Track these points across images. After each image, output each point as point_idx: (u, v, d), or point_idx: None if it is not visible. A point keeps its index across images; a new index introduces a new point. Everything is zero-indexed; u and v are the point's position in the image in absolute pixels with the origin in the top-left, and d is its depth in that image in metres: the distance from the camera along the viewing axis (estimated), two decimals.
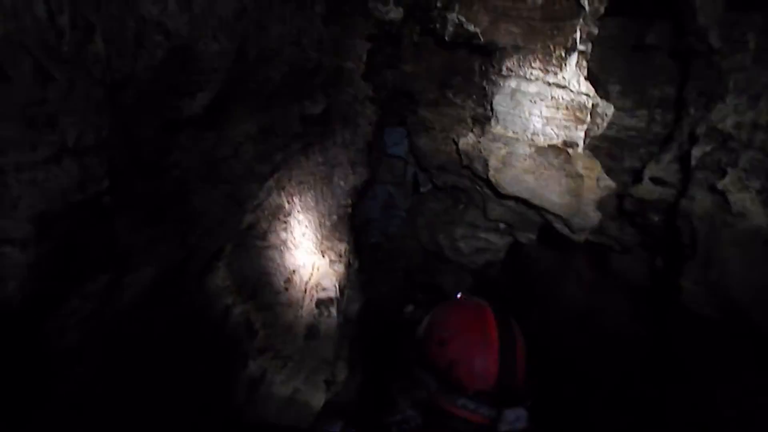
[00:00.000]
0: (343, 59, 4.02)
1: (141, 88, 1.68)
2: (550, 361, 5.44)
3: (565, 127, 3.94)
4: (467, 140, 4.43)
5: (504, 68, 4.09)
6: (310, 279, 3.68)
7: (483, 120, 4.34)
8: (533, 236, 4.82)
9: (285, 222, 3.52)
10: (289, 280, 3.41)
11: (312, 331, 3.57)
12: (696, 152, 3.77)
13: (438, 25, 4.21)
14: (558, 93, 3.90)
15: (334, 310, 3.87)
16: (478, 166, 4.30)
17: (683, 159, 4.15)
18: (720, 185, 3.48)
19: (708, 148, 3.69)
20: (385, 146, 5.61)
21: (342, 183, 4.23)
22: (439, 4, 4.10)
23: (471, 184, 4.75)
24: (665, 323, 4.52)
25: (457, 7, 4.02)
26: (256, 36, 2.49)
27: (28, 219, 1.17)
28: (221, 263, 2.71)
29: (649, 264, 4.95)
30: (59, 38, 1.26)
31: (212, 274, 2.63)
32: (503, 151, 4.12)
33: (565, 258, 5.87)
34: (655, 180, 4.41)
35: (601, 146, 5.04)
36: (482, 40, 4.10)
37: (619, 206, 4.95)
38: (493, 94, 4.18)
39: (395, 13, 4.07)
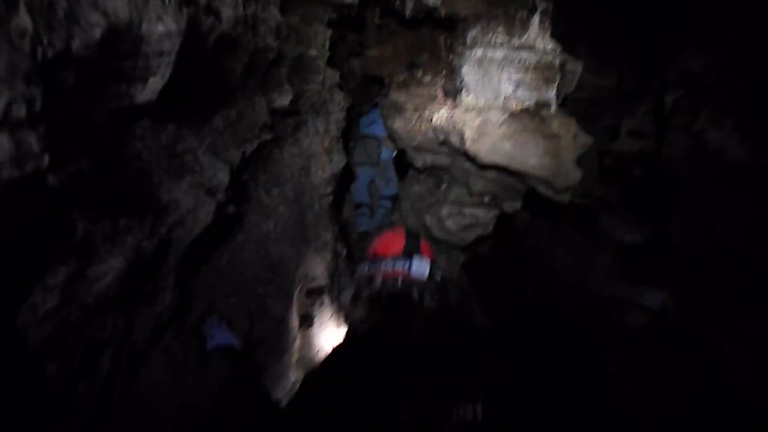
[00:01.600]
0: (305, 47, 3.96)
1: (83, 69, 1.62)
2: (549, 333, 5.44)
3: (536, 88, 3.91)
4: (440, 115, 4.39)
5: (468, 38, 4.06)
6: (297, 270, 3.63)
7: (454, 93, 4.30)
8: (518, 205, 4.78)
9: (265, 215, 3.47)
10: (275, 272, 3.35)
11: (305, 321, 3.52)
12: (669, 99, 3.76)
13: (397, 3, 4.18)
14: (525, 55, 3.87)
15: (326, 299, 3.82)
16: (455, 140, 4.26)
17: (657, 109, 4.14)
18: (696, 126, 3.47)
19: (680, 93, 3.68)
20: (359, 126, 5.57)
21: (320, 173, 4.18)
22: None
23: (451, 160, 4.72)
24: (659, 279, 4.50)
25: None
26: (208, 21, 2.44)
27: None
28: (199, 256, 2.65)
29: (637, 220, 4.93)
30: None
31: (190, 269, 2.57)
32: (477, 121, 4.08)
33: (554, 226, 5.85)
34: (632, 133, 4.41)
35: (576, 108, 5.04)
36: (443, 13, 4.06)
37: (600, 165, 4.94)
38: (460, 66, 4.14)
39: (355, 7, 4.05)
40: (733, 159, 3.34)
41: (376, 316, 1.49)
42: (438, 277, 1.56)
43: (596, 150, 4.85)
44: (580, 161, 4.11)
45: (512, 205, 4.81)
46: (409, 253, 1.55)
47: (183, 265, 2.45)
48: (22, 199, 1.30)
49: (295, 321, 3.41)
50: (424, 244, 1.63)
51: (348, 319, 1.91)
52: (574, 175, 3.92)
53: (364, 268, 1.62)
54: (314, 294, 3.69)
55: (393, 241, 1.63)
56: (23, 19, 1.40)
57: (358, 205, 5.88)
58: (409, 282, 1.51)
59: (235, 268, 3.08)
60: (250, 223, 3.32)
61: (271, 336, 3.13)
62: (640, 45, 4.49)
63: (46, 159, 1.36)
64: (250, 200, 3.37)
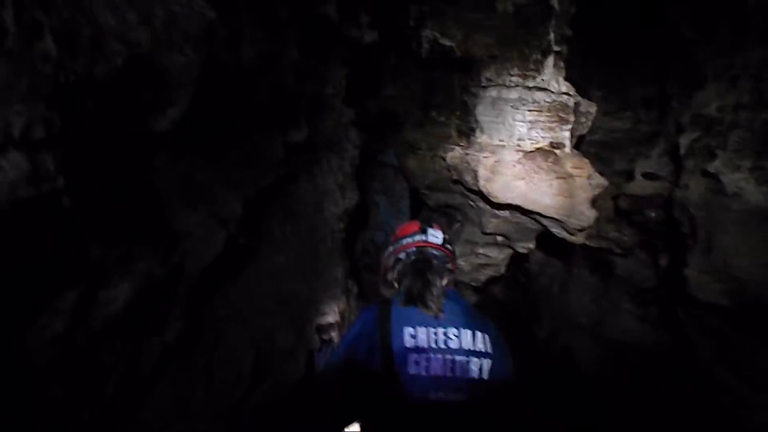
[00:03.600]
0: (322, 85, 4.03)
1: (103, 96, 1.65)
2: (562, 374, 5.32)
3: (550, 128, 3.92)
4: (454, 154, 4.42)
5: (483, 78, 4.11)
6: (308, 304, 3.60)
7: (468, 132, 4.34)
8: (532, 245, 4.74)
9: (277, 248, 3.47)
10: (285, 305, 3.33)
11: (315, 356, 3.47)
12: (684, 141, 3.76)
13: (414, 44, 4.25)
14: (539, 96, 3.90)
15: (335, 335, 3.77)
16: (468, 179, 4.27)
17: (672, 151, 4.14)
18: (712, 168, 3.45)
19: (695, 135, 3.68)
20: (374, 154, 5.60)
21: (333, 209, 4.19)
22: (412, 23, 4.15)
23: (464, 199, 4.71)
24: (674, 323, 4.42)
25: (430, 24, 4.08)
26: (228, 55, 2.50)
27: None
28: (210, 286, 2.64)
29: (652, 263, 4.87)
30: (2, 32, 1.24)
31: (200, 299, 2.56)
32: (491, 160, 4.09)
33: (568, 268, 5.79)
34: (646, 175, 4.39)
35: (590, 150, 5.05)
36: (458, 53, 4.13)
37: (615, 207, 4.91)
38: (475, 105, 4.19)
39: (370, 36, 4.11)
40: (750, 201, 3.30)
41: (406, 281, 1.74)
42: (447, 245, 1.88)
43: (611, 191, 4.83)
44: (595, 202, 4.08)
45: (525, 246, 4.77)
46: (423, 230, 1.87)
47: (193, 295, 2.44)
48: (35, 219, 1.31)
49: (303, 355, 3.36)
50: (436, 225, 1.94)
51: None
52: (588, 215, 3.88)
53: (389, 249, 1.90)
54: (324, 330, 3.65)
55: (410, 225, 1.94)
56: (48, 45, 1.44)
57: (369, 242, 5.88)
58: (426, 247, 1.83)
59: (245, 300, 3.06)
60: (262, 255, 3.31)
61: (277, 369, 3.09)
62: (656, 88, 4.52)
63: (62, 181, 1.38)
64: (263, 233, 3.38)
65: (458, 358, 1.53)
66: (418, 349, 1.52)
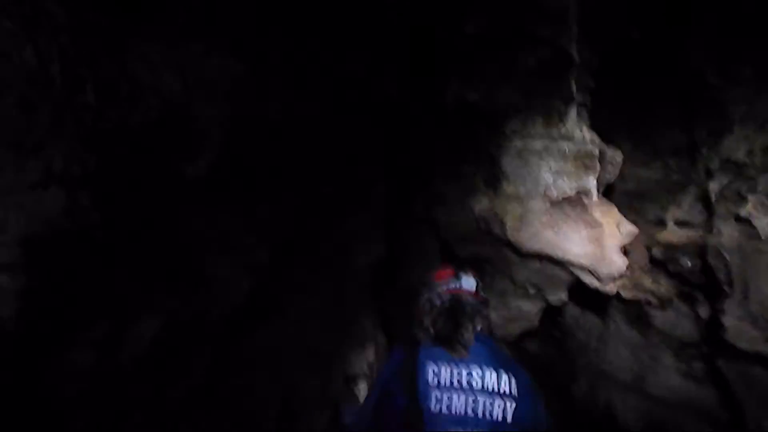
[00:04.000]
0: (350, 139, 4.16)
1: (138, 142, 1.77)
2: None
3: (577, 177, 3.93)
4: (482, 205, 4.44)
5: (508, 130, 4.19)
6: (335, 355, 3.60)
7: (495, 183, 4.38)
8: (564, 297, 4.66)
9: (305, 297, 3.51)
10: (312, 355, 3.33)
11: (340, 405, 3.44)
12: (714, 186, 3.72)
13: (439, 99, 4.38)
14: (563, 145, 3.94)
15: (363, 386, 3.73)
16: (497, 229, 4.28)
17: (704, 198, 4.08)
18: (744, 213, 3.39)
19: (725, 180, 3.64)
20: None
21: (361, 258, 4.24)
22: (438, 79, 4.30)
23: (493, 250, 4.70)
24: (719, 377, 4.22)
25: (455, 79, 4.21)
26: (256, 108, 2.64)
27: (15, 242, 1.20)
28: (236, 332, 2.68)
29: (693, 315, 4.71)
30: (50, 82, 1.36)
31: (226, 344, 2.60)
32: (519, 210, 4.11)
33: (605, 321, 5.63)
34: (679, 223, 4.32)
35: (622, 200, 5.03)
36: (483, 106, 4.23)
37: (650, 257, 4.81)
38: (500, 156, 4.24)
39: (397, 92, 4.28)
40: None
41: (438, 324, 1.78)
42: (481, 292, 1.95)
43: (644, 241, 4.75)
44: (626, 251, 4.03)
45: (558, 297, 4.69)
46: (458, 276, 1.91)
47: (219, 339, 2.48)
48: (71, 250, 1.39)
49: (329, 407, 3.33)
50: (470, 271, 1.99)
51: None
52: (619, 264, 3.83)
53: (424, 294, 1.93)
54: (351, 381, 3.62)
55: (445, 271, 1.99)
56: (89, 96, 1.58)
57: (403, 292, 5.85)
58: (460, 294, 1.87)
59: (272, 348, 3.09)
60: (289, 304, 3.35)
61: (303, 420, 3.06)
62: (685, 136, 4.51)
63: (97, 216, 1.48)
64: (290, 282, 3.43)
65: (481, 398, 1.53)
66: (440, 387, 1.54)
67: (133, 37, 1.71)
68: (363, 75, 3.77)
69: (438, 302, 1.86)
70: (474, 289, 1.89)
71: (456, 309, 1.79)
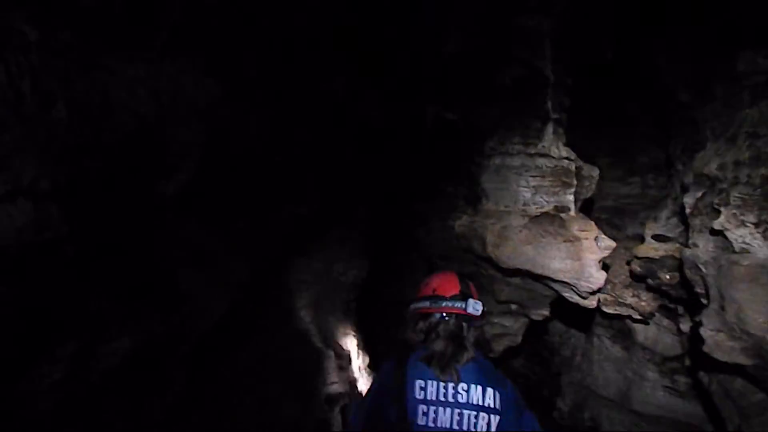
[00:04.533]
0: (330, 160, 4.18)
1: (111, 159, 1.78)
2: None
3: (554, 193, 3.99)
4: (462, 222, 4.48)
5: (486, 148, 4.24)
6: (317, 375, 3.58)
7: (474, 200, 4.42)
8: (546, 312, 4.68)
9: (286, 317, 3.50)
10: (293, 374, 3.31)
11: (322, 427, 3.40)
12: (688, 200, 3.77)
13: (419, 119, 4.44)
14: (541, 162, 4.00)
15: (344, 404, 3.71)
16: (477, 246, 4.31)
17: (680, 212, 4.14)
18: (718, 225, 3.44)
19: (699, 194, 3.70)
20: None
21: (342, 278, 4.24)
22: (417, 98, 4.36)
23: (475, 267, 4.72)
24: (701, 390, 4.25)
25: (433, 99, 4.28)
26: (235, 131, 2.66)
27: None
28: (214, 351, 2.66)
29: (674, 329, 4.75)
30: (19, 98, 1.38)
31: (204, 364, 2.58)
32: (498, 226, 4.15)
33: (589, 337, 5.66)
34: (657, 237, 4.38)
35: (602, 216, 5.09)
36: (461, 125, 4.30)
37: (630, 272, 4.86)
38: (480, 174, 4.29)
39: (376, 113, 4.32)
40: (758, 256, 3.27)
41: (436, 342, 1.71)
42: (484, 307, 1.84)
43: (624, 256, 4.81)
44: (606, 265, 4.07)
45: (540, 313, 4.71)
46: (465, 297, 1.80)
47: (195, 358, 2.47)
48: (39, 264, 1.39)
49: (309, 427, 3.30)
50: (472, 287, 1.89)
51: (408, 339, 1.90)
52: (598, 277, 3.86)
53: (425, 303, 1.83)
54: (332, 400, 3.60)
55: (449, 283, 1.87)
56: (60, 112, 1.59)
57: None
58: (463, 318, 1.77)
59: (253, 366, 3.07)
60: (270, 323, 3.35)
61: None
62: (661, 152, 4.62)
63: (66, 229, 1.48)
64: (271, 302, 3.43)
65: (466, 411, 1.55)
66: (426, 401, 1.55)
67: (106, 55, 1.74)
68: (342, 95, 3.81)
69: (438, 316, 1.79)
70: (479, 313, 1.77)
71: (459, 336, 1.72)
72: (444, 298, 1.82)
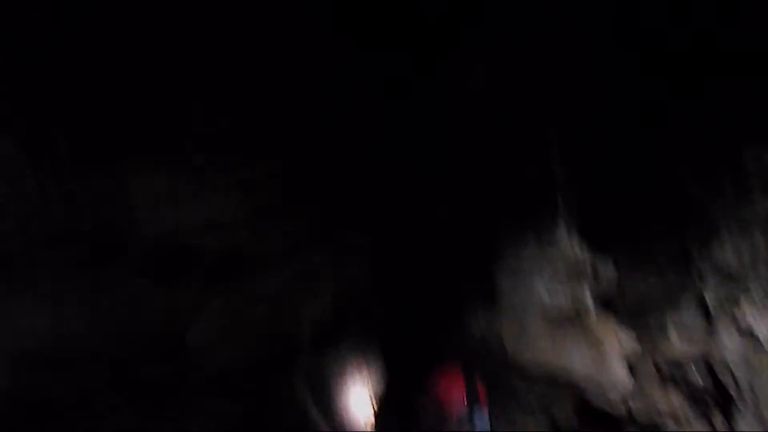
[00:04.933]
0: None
1: (135, 271, 1.82)
2: None
3: (571, 291, 3.95)
4: (480, 326, 4.42)
5: (502, 247, 4.27)
6: None
7: (491, 302, 4.38)
8: (571, 415, 4.46)
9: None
10: None
11: None
12: (710, 295, 3.72)
13: (432, 224, 4.52)
14: (556, 261, 4.00)
15: None
16: (496, 349, 4.22)
17: (703, 306, 4.06)
18: (743, 323, 3.36)
19: (720, 288, 3.65)
20: None
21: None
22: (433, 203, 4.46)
23: (494, 370, 4.59)
24: None
25: (444, 203, 4.39)
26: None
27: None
28: None
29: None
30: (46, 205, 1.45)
31: None
32: (517, 329, 4.08)
33: None
34: (682, 336, 4.25)
35: (622, 313, 4.98)
36: (476, 227, 4.36)
37: (658, 375, 4.66)
38: (496, 274, 4.29)
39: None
40: None
41: None
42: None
43: (649, 353, 4.64)
44: (631, 366, 3.94)
45: (564, 416, 4.49)
46: (471, 405, 1.81)
47: None
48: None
49: None
50: (480, 389, 1.88)
51: None
52: (625, 379, 3.72)
53: (432, 416, 1.83)
54: None
55: (455, 388, 1.86)
56: (87, 225, 1.66)
57: None
58: None
59: None
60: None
61: None
62: (677, 244, 4.59)
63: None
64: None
65: None
66: None
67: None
68: None
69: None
70: (488, 428, 1.80)
71: None
72: (448, 410, 1.80)
